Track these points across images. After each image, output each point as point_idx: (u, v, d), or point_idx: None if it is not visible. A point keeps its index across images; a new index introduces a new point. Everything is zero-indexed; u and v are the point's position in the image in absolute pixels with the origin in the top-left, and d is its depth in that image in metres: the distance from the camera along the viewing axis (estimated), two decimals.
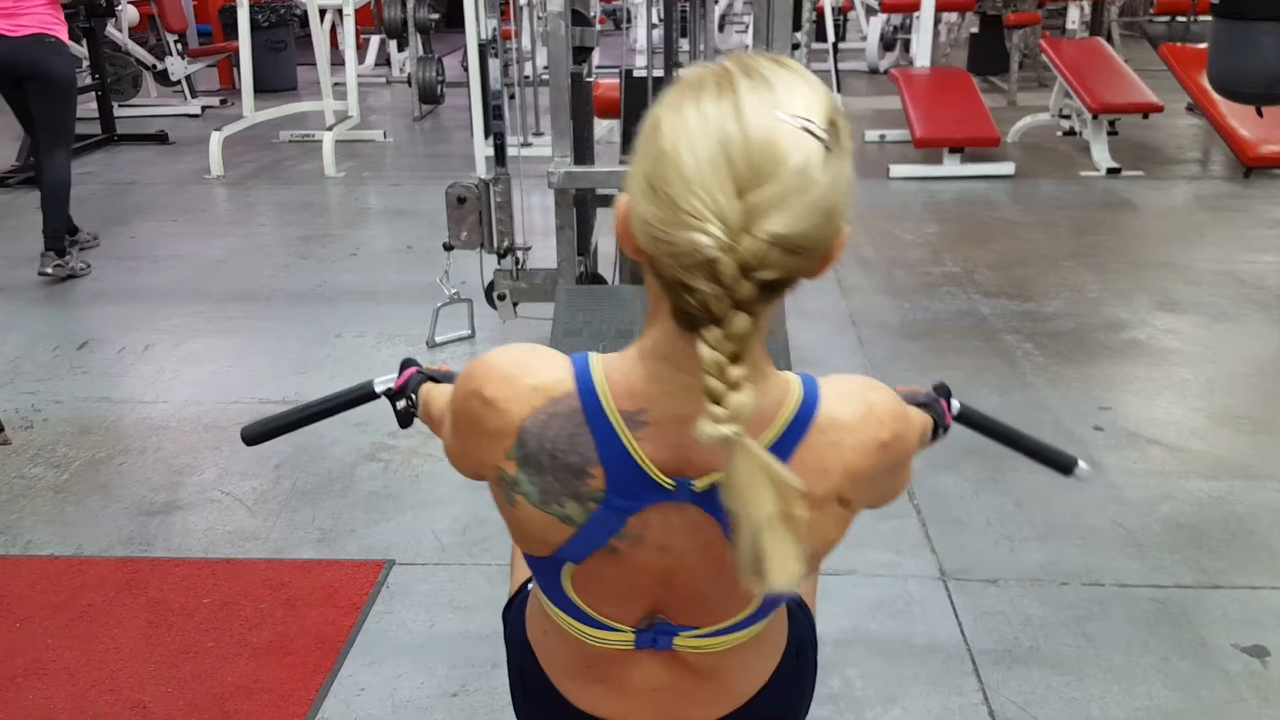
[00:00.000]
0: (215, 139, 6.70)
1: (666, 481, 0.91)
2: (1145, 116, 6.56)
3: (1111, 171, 6.35)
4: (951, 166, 6.39)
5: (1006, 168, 6.37)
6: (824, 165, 0.80)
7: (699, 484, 0.92)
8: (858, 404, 0.94)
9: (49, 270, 4.66)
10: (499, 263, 3.73)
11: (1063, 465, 1.50)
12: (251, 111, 7.11)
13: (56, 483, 2.94)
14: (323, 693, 2.10)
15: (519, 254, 3.72)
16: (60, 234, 4.72)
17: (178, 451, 3.10)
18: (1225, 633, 2.24)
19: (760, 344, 0.89)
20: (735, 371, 0.80)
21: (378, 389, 1.42)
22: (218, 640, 2.26)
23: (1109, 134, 6.53)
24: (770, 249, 0.78)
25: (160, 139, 7.64)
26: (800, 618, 1.24)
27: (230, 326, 4.12)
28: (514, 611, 1.26)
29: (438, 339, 3.86)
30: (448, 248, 3.72)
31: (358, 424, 3.22)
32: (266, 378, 3.61)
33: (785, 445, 0.91)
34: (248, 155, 7.22)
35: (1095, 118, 6.48)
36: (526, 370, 0.94)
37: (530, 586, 1.20)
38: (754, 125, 0.79)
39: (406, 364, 1.39)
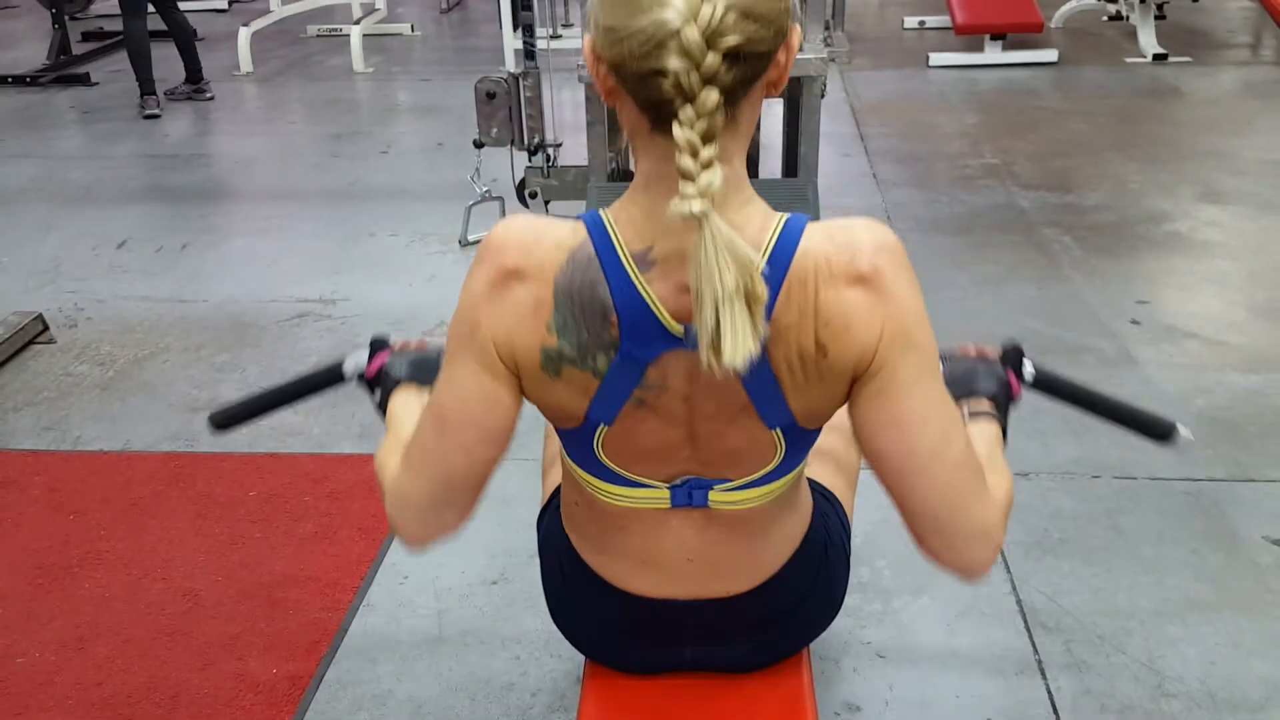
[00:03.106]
0: (244, 34, 6.63)
1: (675, 327, 0.91)
2: None
3: (1158, 57, 6.14)
4: (993, 54, 6.21)
5: (1049, 55, 6.19)
6: None
7: None
8: (839, 233, 0.91)
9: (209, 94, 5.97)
10: (530, 160, 3.70)
11: (1159, 432, 1.36)
12: (279, 5, 7.01)
13: (102, 380, 3.00)
14: (367, 580, 2.17)
15: (550, 150, 3.69)
16: (178, 78, 5.94)
17: (218, 350, 3.15)
18: (1257, 525, 2.26)
19: (740, 164, 0.91)
20: (707, 151, 0.81)
21: (347, 372, 1.33)
22: (265, 531, 2.33)
23: (1156, 18, 6.30)
24: (727, 12, 0.79)
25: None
26: (831, 514, 1.25)
27: (264, 226, 4.14)
28: (547, 516, 1.28)
29: (470, 237, 3.86)
30: (478, 145, 3.69)
31: (395, 322, 3.26)
32: (303, 277, 3.64)
33: (773, 271, 0.89)
34: (276, 51, 7.14)
35: (1143, 1, 6.24)
36: (542, 233, 0.93)
37: (560, 484, 1.22)
38: None
39: (377, 346, 1.32)
